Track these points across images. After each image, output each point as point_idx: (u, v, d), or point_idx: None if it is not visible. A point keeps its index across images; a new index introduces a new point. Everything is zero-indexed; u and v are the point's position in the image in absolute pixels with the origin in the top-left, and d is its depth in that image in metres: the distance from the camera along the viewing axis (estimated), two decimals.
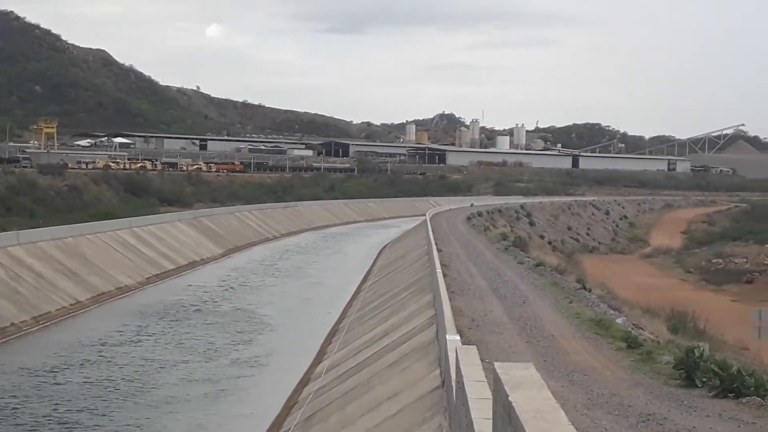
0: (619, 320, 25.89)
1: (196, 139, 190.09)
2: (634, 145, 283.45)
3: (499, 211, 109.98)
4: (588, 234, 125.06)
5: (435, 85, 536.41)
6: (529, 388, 4.89)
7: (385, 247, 78.00)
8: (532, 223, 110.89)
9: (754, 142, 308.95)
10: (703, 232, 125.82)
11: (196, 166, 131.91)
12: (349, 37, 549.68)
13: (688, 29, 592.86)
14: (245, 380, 29.96)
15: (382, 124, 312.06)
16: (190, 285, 54.04)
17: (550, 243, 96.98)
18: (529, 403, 4.54)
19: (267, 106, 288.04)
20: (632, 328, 24.98)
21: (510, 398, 4.69)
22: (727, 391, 15.54)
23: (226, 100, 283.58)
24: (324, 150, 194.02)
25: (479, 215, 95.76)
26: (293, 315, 43.98)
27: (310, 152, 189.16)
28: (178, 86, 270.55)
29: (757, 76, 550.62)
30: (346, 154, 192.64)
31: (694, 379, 16.46)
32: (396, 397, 18.33)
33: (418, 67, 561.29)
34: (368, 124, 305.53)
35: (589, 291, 33.58)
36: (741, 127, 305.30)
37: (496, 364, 5.48)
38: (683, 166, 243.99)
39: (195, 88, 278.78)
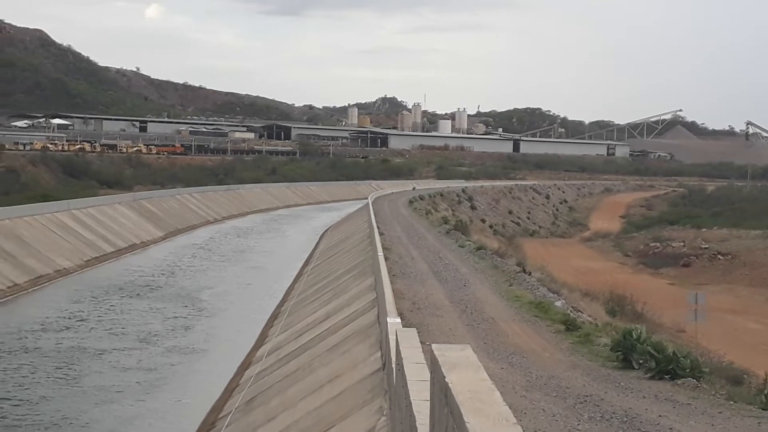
0: (558, 303, 26.15)
1: (136, 120, 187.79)
2: (574, 129, 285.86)
3: (441, 194, 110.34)
4: (529, 218, 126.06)
5: (376, 68, 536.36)
6: (465, 370, 4.92)
7: (327, 230, 77.91)
8: (473, 207, 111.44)
9: (692, 127, 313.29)
10: (641, 216, 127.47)
11: (136, 149, 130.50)
12: (290, 20, 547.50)
13: (627, 15, 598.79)
14: (184, 366, 29.58)
15: (324, 108, 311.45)
16: (129, 268, 53.53)
17: (491, 227, 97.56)
18: (465, 384, 4.57)
19: (208, 88, 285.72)
20: (571, 311, 25.25)
21: (446, 379, 4.71)
22: (663, 373, 15.79)
23: (167, 82, 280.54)
24: (266, 133, 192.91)
25: (421, 199, 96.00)
26: (234, 299, 43.76)
27: (251, 135, 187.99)
28: (117, 67, 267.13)
29: (694, 62, 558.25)
30: (288, 137, 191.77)
31: (631, 361, 16.69)
32: (337, 380, 18.36)
33: (359, 50, 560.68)
34: (310, 107, 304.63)
35: (529, 274, 33.85)
36: (679, 113, 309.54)
37: (434, 346, 5.51)
38: (622, 151, 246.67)
39: (135, 69, 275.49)
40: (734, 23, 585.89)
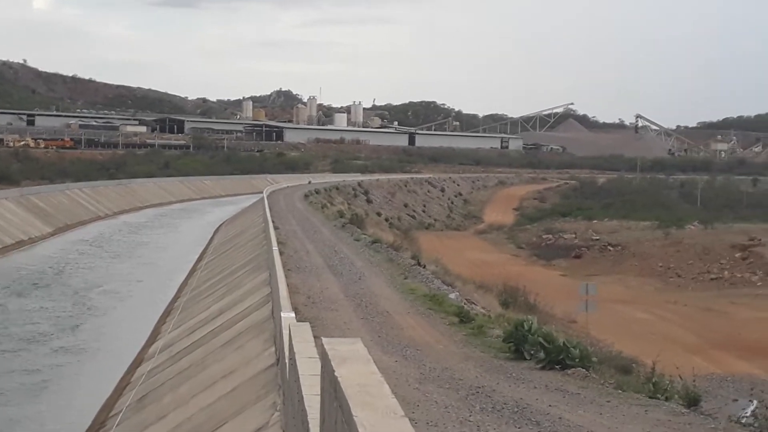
0: (452, 295, 26.35)
1: (24, 114, 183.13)
2: (468, 123, 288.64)
3: (337, 188, 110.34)
4: (424, 211, 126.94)
5: (272, 61, 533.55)
6: (355, 363, 4.88)
7: (221, 225, 77.22)
8: (369, 201, 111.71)
9: (583, 120, 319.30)
10: (534, 208, 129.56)
11: (23, 143, 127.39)
12: (183, 11, 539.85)
13: (521, 9, 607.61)
14: (73, 366, 28.86)
15: (218, 101, 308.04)
16: (15, 266, 52.19)
17: (386, 220, 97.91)
18: (355, 378, 4.53)
19: (98, 81, 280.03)
20: (465, 303, 25.47)
21: (336, 373, 4.67)
22: (554, 363, 16.01)
23: (55, 75, 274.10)
24: (158, 126, 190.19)
25: (317, 193, 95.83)
26: (125, 296, 43.02)
27: (143, 128, 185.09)
28: (3, 59, 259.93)
29: (585, 56, 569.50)
30: (181, 130, 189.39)
31: (523, 352, 16.89)
32: (231, 376, 18.20)
33: (255, 43, 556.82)
34: (204, 100, 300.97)
35: (424, 267, 34.06)
36: (570, 106, 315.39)
37: (324, 340, 5.47)
38: (516, 144, 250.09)
39: (22, 62, 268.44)
40: (624, 18, 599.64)
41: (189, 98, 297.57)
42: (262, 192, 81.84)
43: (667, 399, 14.29)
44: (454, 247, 78.68)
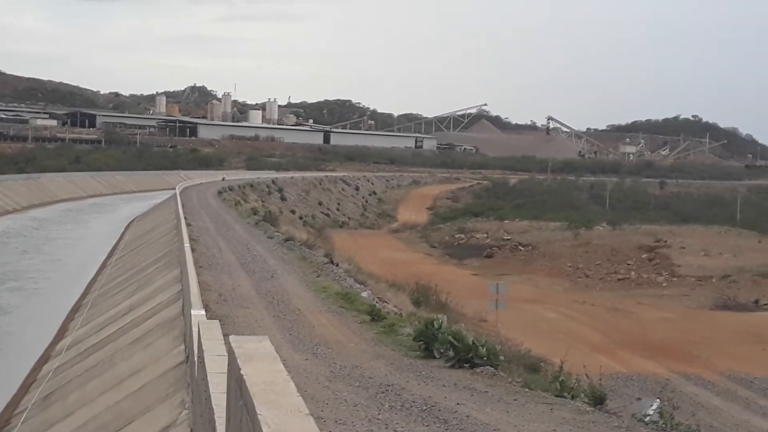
0: (364, 294, 26.44)
1: None
2: (383, 122, 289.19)
3: (251, 185, 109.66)
4: (338, 209, 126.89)
5: (186, 56, 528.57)
6: (261, 361, 4.90)
7: (133, 221, 76.19)
8: (283, 198, 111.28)
9: (496, 121, 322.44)
10: (447, 208, 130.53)
11: None
12: (98, 5, 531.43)
13: (436, 9, 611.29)
14: None
15: (131, 95, 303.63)
16: None
17: (301, 218, 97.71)
18: (260, 376, 4.55)
19: (7, 73, 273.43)
20: (377, 302, 25.57)
21: (242, 371, 4.69)
22: (463, 362, 16.16)
23: None
24: (69, 120, 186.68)
25: (231, 189, 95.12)
26: (32, 293, 42.15)
27: (54, 122, 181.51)
28: None
29: (499, 58, 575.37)
30: (93, 124, 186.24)
31: (433, 351, 17.02)
32: (139, 374, 18.01)
33: (169, 37, 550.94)
34: (116, 94, 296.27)
35: (337, 265, 34.09)
36: (484, 107, 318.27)
37: (231, 338, 5.48)
38: (430, 144, 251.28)
39: None
40: (536, 21, 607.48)
41: (101, 92, 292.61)
42: (175, 188, 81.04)
43: (573, 397, 14.53)
44: (368, 245, 78.87)
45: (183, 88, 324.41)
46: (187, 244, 28.60)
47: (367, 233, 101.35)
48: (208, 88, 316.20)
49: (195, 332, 11.72)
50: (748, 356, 38.01)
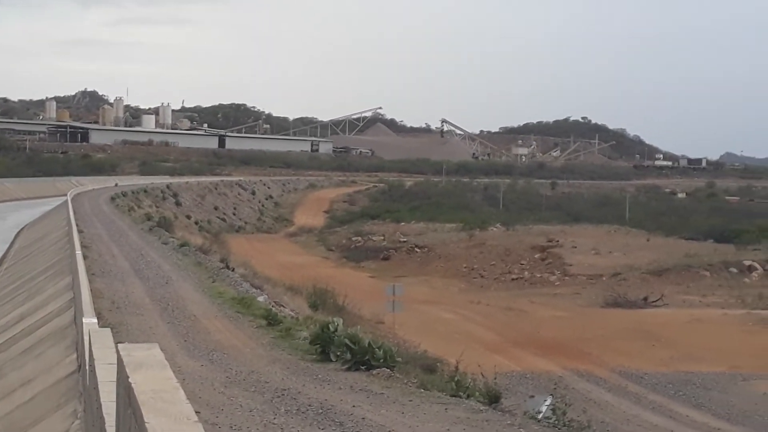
0: (261, 298, 26.37)
1: None
2: (279, 126, 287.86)
3: (145, 191, 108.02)
4: (235, 214, 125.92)
5: (77, 61, 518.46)
6: (150, 368, 4.88)
7: (23, 229, 74.31)
8: (178, 203, 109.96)
9: (391, 124, 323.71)
10: (344, 211, 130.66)
11: None
12: None
13: (329, 14, 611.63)
14: None
15: (20, 101, 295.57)
16: None
17: (196, 223, 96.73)
18: (149, 384, 4.54)
19: None
20: (274, 306, 25.54)
21: (130, 379, 4.66)
22: (360, 364, 16.26)
23: None
24: None
25: (124, 195, 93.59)
26: None
27: None
28: None
29: (394, 62, 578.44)
30: None
31: (329, 354, 17.09)
32: (30, 384, 17.62)
33: (59, 41, 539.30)
34: (5, 99, 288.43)
35: (233, 270, 33.91)
36: (379, 110, 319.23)
37: (120, 346, 5.44)
38: (326, 148, 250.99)
39: None
40: (429, 25, 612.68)
41: None
42: (66, 195, 79.39)
43: (468, 397, 14.75)
44: (265, 249, 78.55)
45: (74, 93, 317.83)
46: (78, 252, 28.07)
47: (264, 237, 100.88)
48: (100, 93, 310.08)
49: (86, 341, 11.55)
50: (638, 352, 38.99)
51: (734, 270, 63.52)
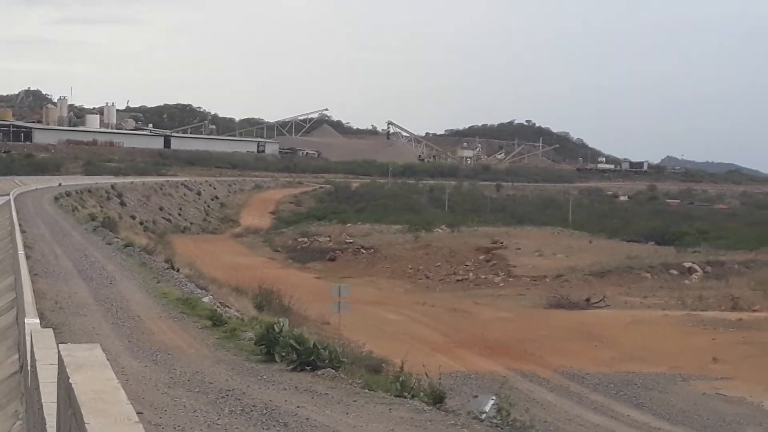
0: (205, 299, 26.28)
1: None
2: (225, 126, 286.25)
3: (89, 191, 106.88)
4: (180, 214, 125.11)
5: (19, 60, 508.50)
6: (91, 369, 4.90)
7: None
8: (123, 204, 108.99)
9: (338, 126, 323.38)
10: (290, 212, 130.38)
11: None
12: None
13: (274, 13, 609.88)
14: None
15: None
16: None
17: (141, 223, 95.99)
18: (90, 384, 4.56)
19: None
20: (219, 307, 25.47)
21: (71, 380, 4.68)
22: (305, 365, 16.30)
23: None
24: None
25: (68, 195, 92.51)
26: None
27: None
28: None
29: (340, 63, 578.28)
30: None
31: (275, 354, 17.10)
32: None
33: (2, 39, 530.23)
34: None
35: (178, 271, 33.72)
36: (325, 112, 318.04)
37: (61, 346, 5.45)
38: (272, 148, 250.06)
39: None
40: (376, 26, 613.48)
41: None
42: (8, 194, 78.30)
43: (413, 397, 14.84)
44: (211, 250, 78.13)
45: (17, 92, 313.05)
46: (21, 252, 27.77)
47: (210, 238, 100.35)
48: (44, 92, 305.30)
49: (28, 341, 11.48)
50: (581, 353, 39.41)
51: (675, 272, 64.41)
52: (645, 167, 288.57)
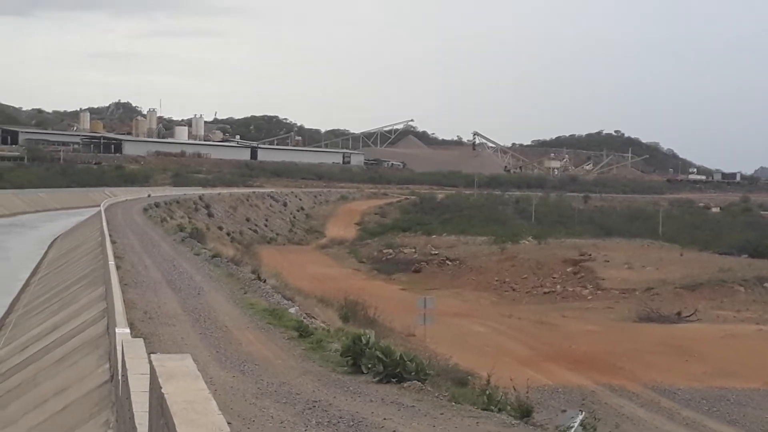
0: (292, 310, 26.37)
1: None
2: (310, 138, 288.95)
3: (177, 202, 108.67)
4: (266, 225, 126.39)
5: (110, 72, 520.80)
6: (182, 379, 4.89)
7: (56, 239, 74.96)
8: (210, 215, 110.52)
9: (423, 137, 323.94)
10: (375, 223, 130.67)
11: None
12: (16, 20, 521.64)
13: (361, 25, 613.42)
14: None
15: (54, 112, 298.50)
16: None
17: (228, 234, 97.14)
18: (181, 394, 4.55)
19: None
20: (305, 318, 25.53)
21: (163, 390, 4.68)
22: (391, 377, 16.21)
23: None
24: None
25: (157, 206, 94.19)
26: None
27: None
28: None
29: (425, 74, 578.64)
30: (15, 141, 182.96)
31: (361, 366, 17.04)
32: (63, 393, 17.73)
33: (93, 53, 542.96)
34: (39, 110, 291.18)
35: (264, 281, 33.93)
36: (410, 123, 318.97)
37: (153, 356, 5.46)
38: (357, 160, 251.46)
39: None
40: (462, 38, 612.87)
41: (23, 109, 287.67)
42: (99, 205, 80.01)
43: (500, 411, 14.66)
44: (296, 261, 78.65)
45: (107, 105, 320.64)
46: (111, 262, 28.28)
47: (296, 249, 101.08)
48: (133, 105, 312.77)
49: (119, 351, 11.60)
50: (671, 367, 38.63)
51: None
52: (738, 178, 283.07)
